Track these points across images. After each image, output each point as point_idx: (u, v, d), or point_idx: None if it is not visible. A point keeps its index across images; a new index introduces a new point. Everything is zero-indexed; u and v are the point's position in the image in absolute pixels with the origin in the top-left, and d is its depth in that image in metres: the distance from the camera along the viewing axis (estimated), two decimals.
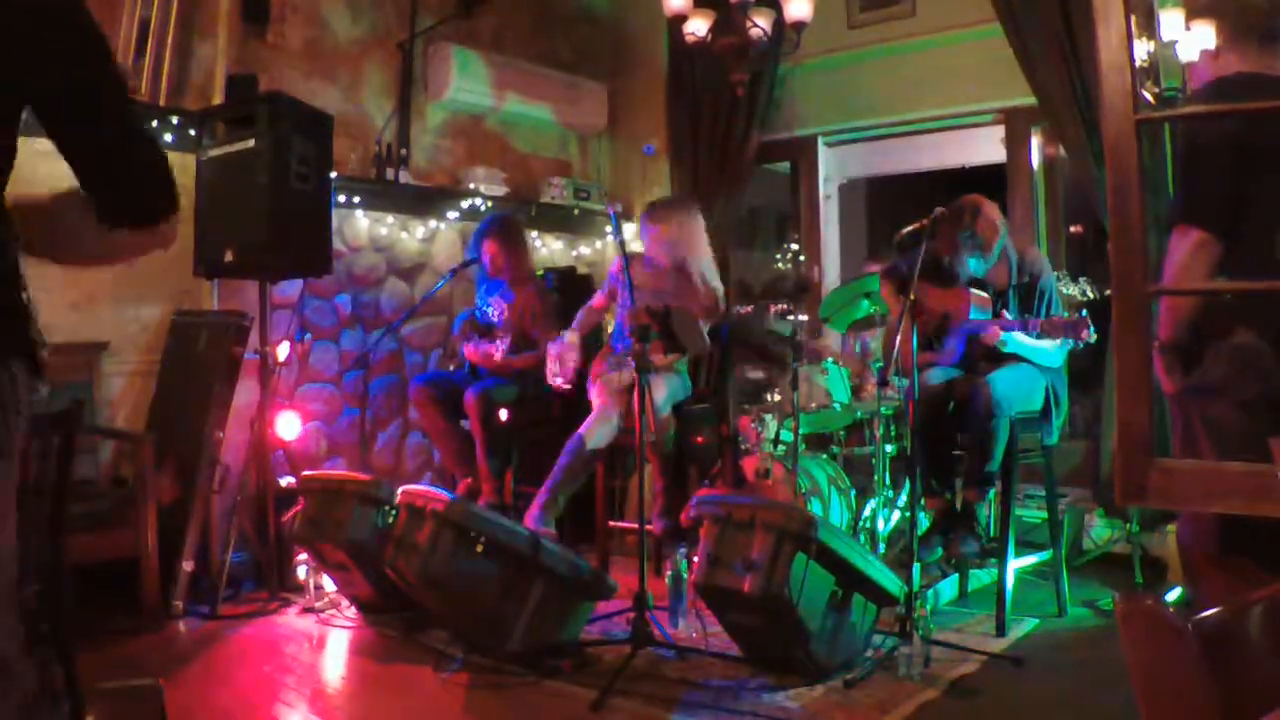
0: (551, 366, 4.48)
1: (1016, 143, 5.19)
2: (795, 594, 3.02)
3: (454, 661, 3.42)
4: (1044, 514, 4.14)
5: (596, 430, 4.35)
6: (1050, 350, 3.74)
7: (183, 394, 4.22)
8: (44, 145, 4.22)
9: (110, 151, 1.53)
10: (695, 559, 3.33)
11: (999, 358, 3.76)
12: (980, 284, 3.86)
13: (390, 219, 5.27)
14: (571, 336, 4.52)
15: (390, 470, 5.20)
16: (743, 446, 4.73)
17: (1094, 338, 3.45)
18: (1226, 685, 1.18)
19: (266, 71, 4.69)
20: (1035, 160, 5.17)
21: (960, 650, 3.37)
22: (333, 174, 4.40)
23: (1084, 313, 3.47)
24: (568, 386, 4.48)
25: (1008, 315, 3.74)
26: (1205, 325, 2.35)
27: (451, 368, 5.08)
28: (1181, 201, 2.42)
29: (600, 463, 4.46)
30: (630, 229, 6.17)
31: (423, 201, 5.38)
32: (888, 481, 4.36)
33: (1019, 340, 3.68)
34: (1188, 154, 2.42)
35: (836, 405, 4.50)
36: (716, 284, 4.57)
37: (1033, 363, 3.78)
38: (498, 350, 4.57)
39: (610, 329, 4.62)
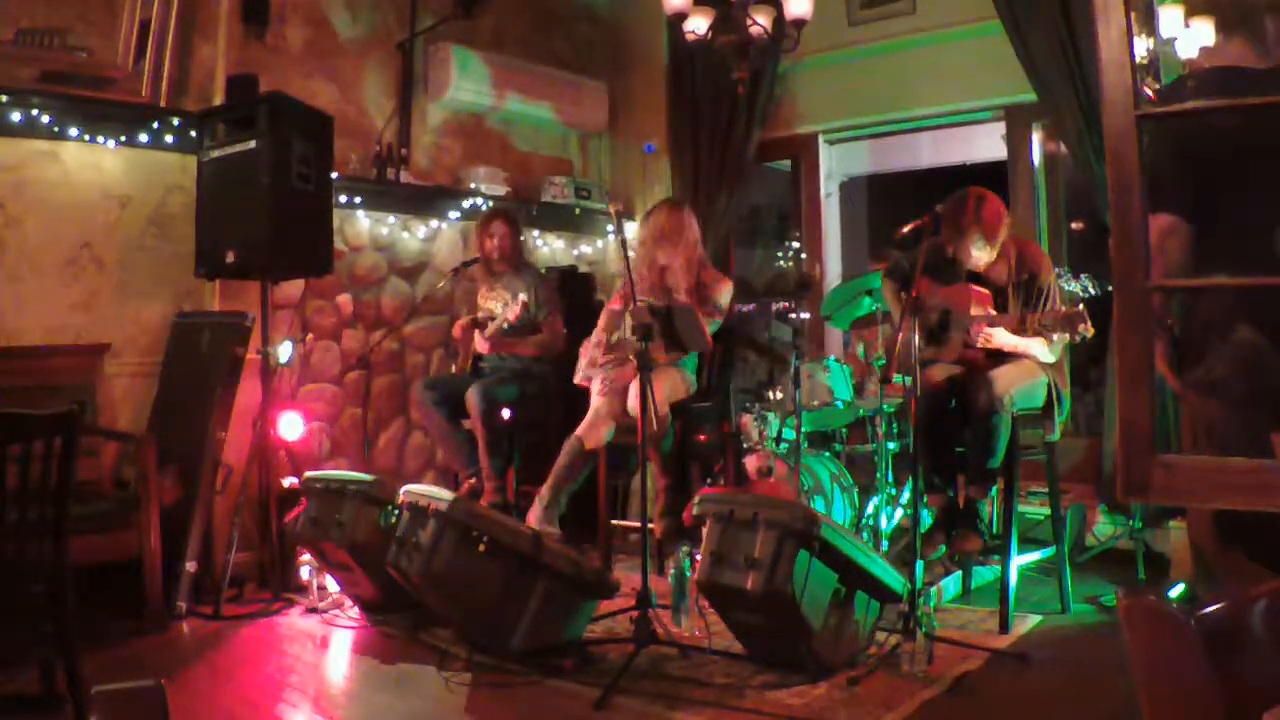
0: (580, 367, 4.53)
1: (1017, 139, 5.19)
2: (798, 591, 3.02)
3: (457, 661, 3.42)
4: (1046, 510, 4.14)
5: (593, 430, 4.35)
6: (1037, 349, 3.71)
7: (185, 395, 4.22)
8: (44, 145, 4.24)
9: None
10: (698, 557, 3.33)
11: (1001, 354, 3.76)
12: (980, 280, 3.86)
13: (391, 219, 5.28)
14: (598, 337, 4.54)
15: (392, 470, 5.20)
16: (745, 444, 4.73)
17: (1091, 333, 3.44)
18: (1228, 680, 1.18)
19: (267, 72, 4.69)
20: (1036, 157, 5.17)
21: (963, 647, 3.37)
22: (333, 174, 4.41)
23: (1081, 306, 3.46)
24: (589, 385, 4.51)
25: (992, 311, 3.73)
26: (1206, 319, 2.35)
27: (454, 369, 5.09)
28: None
29: (602, 461, 4.47)
30: (631, 228, 6.18)
31: (423, 201, 5.38)
32: (890, 479, 4.36)
33: (1002, 338, 3.67)
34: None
35: (838, 403, 4.50)
36: (720, 299, 4.55)
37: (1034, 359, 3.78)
38: (500, 319, 4.67)
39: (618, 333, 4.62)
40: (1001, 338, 3.67)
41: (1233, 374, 2.26)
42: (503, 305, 4.76)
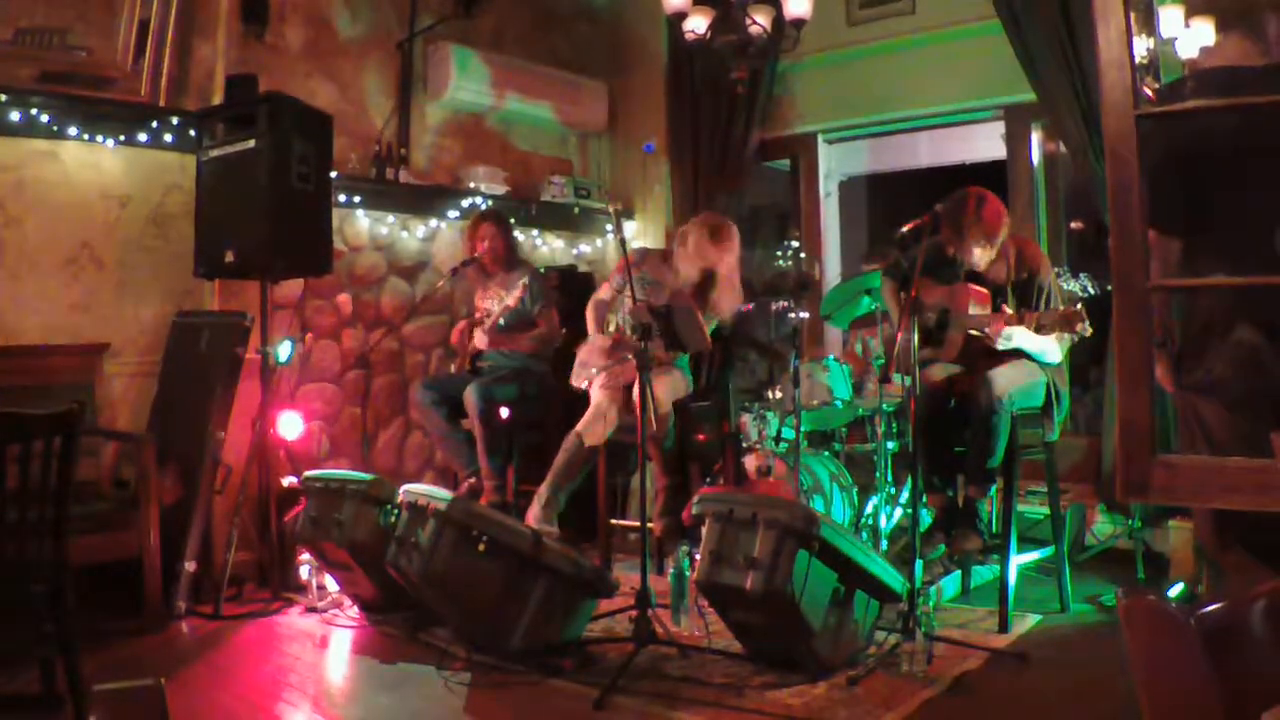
0: (578, 369, 4.51)
1: (1017, 139, 5.19)
2: (798, 591, 3.02)
3: (456, 660, 3.42)
4: (1046, 510, 4.14)
5: (593, 428, 4.35)
6: (1050, 348, 3.73)
7: (184, 394, 4.22)
8: (43, 145, 4.24)
9: None
10: (697, 556, 3.33)
11: (1000, 354, 3.76)
12: (979, 279, 3.86)
13: (391, 218, 5.28)
14: (600, 340, 4.53)
15: (392, 469, 5.20)
16: (744, 444, 4.73)
17: (1089, 331, 3.44)
18: (1228, 680, 1.18)
19: (266, 71, 4.69)
20: (1035, 157, 5.17)
21: (963, 647, 3.37)
22: (333, 174, 4.41)
23: (1079, 305, 3.46)
24: (587, 387, 4.51)
25: (1007, 310, 3.74)
26: (1203, 320, 2.35)
27: (452, 369, 5.09)
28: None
29: (601, 460, 4.47)
30: (631, 227, 6.18)
31: (423, 201, 5.38)
32: (889, 478, 4.36)
33: (1020, 338, 3.68)
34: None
35: (838, 402, 4.50)
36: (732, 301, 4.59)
37: (1033, 359, 3.78)
38: (496, 313, 4.67)
39: (612, 325, 4.63)
40: (1019, 338, 3.67)
41: (1232, 374, 2.26)
42: (499, 304, 4.76)
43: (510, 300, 4.64)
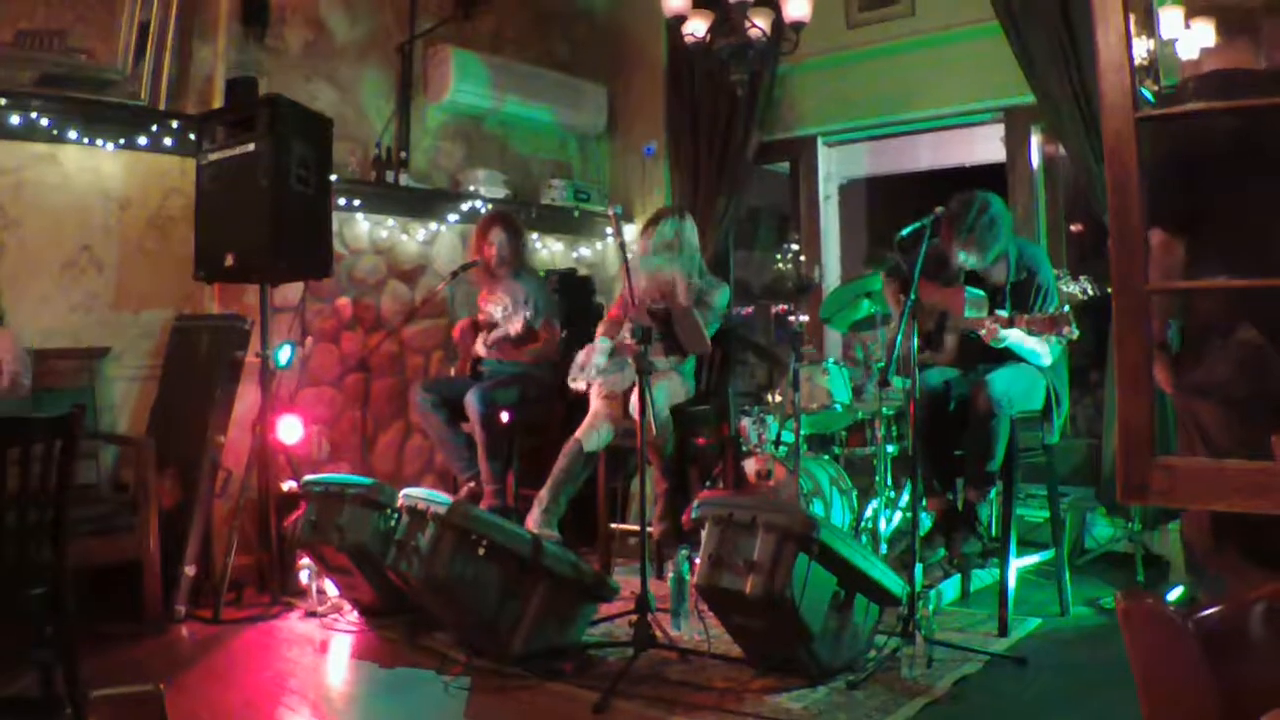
0: (573, 371, 4.50)
1: (1016, 142, 5.19)
2: (797, 595, 3.02)
3: (456, 665, 3.41)
4: (1046, 513, 4.14)
5: (593, 433, 4.35)
6: (1041, 350, 3.72)
7: (184, 398, 4.22)
8: (43, 149, 4.24)
9: None
10: (697, 560, 3.33)
11: (999, 357, 3.76)
12: (978, 281, 3.86)
13: (390, 221, 5.27)
14: (603, 344, 4.52)
15: (391, 473, 5.20)
16: (744, 448, 4.72)
17: (1076, 334, 3.42)
18: (1227, 682, 1.18)
19: (266, 74, 4.70)
20: (1035, 159, 5.16)
21: (963, 650, 3.37)
22: (333, 177, 4.41)
23: (1067, 308, 3.45)
24: (583, 389, 4.49)
25: (1000, 313, 3.73)
26: (1202, 321, 2.35)
27: (452, 372, 5.08)
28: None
29: (601, 465, 4.46)
30: (630, 230, 6.18)
31: (423, 204, 5.38)
32: (889, 482, 4.36)
33: (1015, 339, 3.67)
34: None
35: (838, 406, 4.50)
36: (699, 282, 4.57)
37: (1032, 362, 3.78)
38: (502, 328, 4.65)
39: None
40: (1013, 339, 3.67)
41: (1231, 375, 2.26)
42: (502, 309, 4.75)
43: (514, 328, 4.60)
